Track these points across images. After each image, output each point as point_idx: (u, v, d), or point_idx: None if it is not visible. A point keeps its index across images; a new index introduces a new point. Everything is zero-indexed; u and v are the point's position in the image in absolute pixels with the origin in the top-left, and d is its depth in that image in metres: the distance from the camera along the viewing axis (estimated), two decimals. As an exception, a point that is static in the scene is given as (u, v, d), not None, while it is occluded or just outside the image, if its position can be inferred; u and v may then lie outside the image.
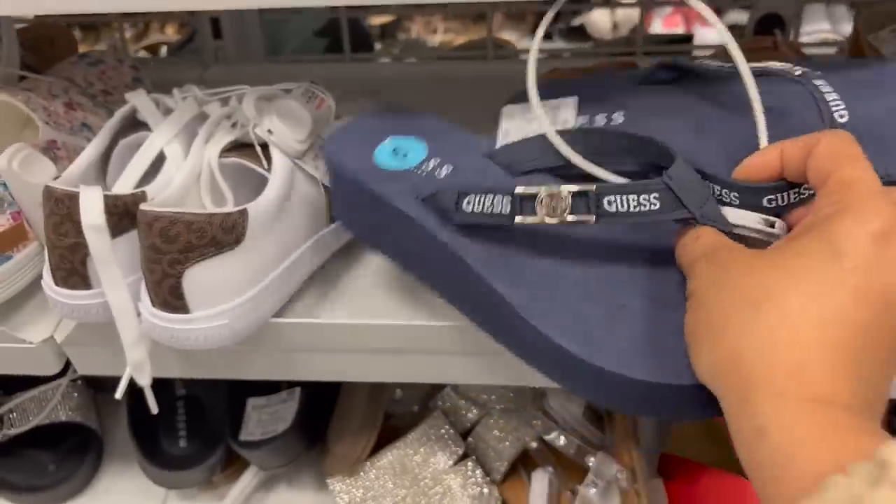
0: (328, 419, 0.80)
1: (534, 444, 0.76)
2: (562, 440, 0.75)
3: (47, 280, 0.52)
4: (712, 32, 1.42)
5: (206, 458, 0.80)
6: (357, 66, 0.94)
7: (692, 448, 0.77)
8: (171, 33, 1.70)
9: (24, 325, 0.59)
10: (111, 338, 0.52)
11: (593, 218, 0.41)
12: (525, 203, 0.43)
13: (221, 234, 0.47)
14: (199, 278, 0.47)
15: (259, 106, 0.53)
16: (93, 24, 1.60)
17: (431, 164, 0.51)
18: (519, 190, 0.43)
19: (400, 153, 0.51)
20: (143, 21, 1.67)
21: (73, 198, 0.48)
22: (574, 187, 0.41)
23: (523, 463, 0.77)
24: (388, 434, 0.79)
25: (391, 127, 0.53)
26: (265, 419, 0.79)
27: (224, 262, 0.48)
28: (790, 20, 0.76)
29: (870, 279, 0.31)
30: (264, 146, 0.53)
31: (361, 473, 0.76)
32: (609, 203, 0.40)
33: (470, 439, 0.77)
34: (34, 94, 0.63)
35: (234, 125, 0.54)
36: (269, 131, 0.52)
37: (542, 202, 0.42)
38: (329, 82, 0.60)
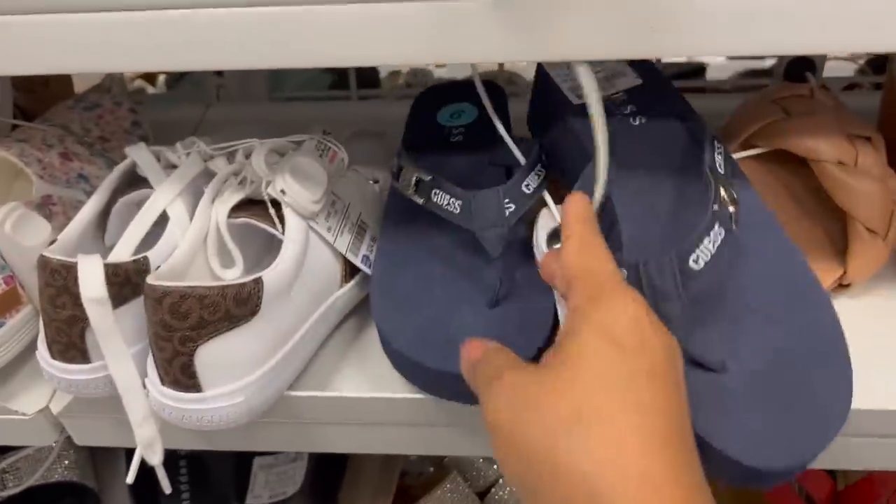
0: (339, 481, 0.76)
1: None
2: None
3: (43, 353, 0.48)
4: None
5: (210, 523, 0.76)
6: (364, 105, 0.91)
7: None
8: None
9: (17, 394, 0.55)
10: (111, 409, 0.48)
11: (422, 201, 0.50)
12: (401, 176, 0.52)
13: (235, 308, 0.43)
14: (212, 355, 0.43)
15: (270, 161, 0.50)
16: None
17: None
18: (401, 161, 0.52)
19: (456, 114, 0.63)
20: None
21: (70, 269, 0.45)
22: (423, 176, 0.50)
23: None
24: (401, 493, 0.75)
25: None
26: (273, 480, 0.75)
27: (239, 336, 0.44)
28: (819, 61, 0.73)
29: (645, 360, 0.33)
30: (274, 202, 0.49)
31: (376, 540, 0.73)
32: (435, 194, 0.49)
33: (487, 500, 0.74)
34: (28, 146, 0.59)
35: (241, 182, 0.50)
36: (283, 191, 0.48)
37: (405, 179, 0.51)
38: (335, 122, 0.58)
